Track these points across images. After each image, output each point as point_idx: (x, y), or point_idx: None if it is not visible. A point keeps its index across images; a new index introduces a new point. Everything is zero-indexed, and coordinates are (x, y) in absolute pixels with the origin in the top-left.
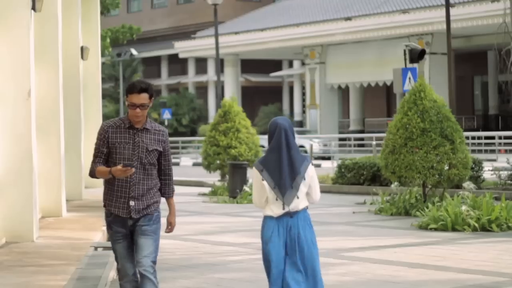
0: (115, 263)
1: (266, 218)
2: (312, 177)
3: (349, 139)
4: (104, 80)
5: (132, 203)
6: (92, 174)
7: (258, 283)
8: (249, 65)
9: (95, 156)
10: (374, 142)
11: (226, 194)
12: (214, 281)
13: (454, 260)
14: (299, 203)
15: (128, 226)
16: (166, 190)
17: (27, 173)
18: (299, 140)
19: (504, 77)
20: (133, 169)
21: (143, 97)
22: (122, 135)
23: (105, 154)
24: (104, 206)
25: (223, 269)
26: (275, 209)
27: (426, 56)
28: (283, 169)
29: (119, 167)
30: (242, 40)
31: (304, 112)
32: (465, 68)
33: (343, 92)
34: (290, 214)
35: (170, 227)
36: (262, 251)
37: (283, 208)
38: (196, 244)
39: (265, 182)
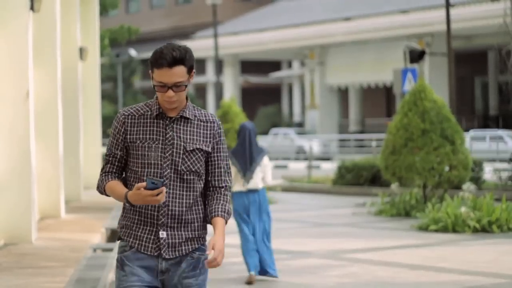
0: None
1: (235, 193)
2: (265, 165)
3: (349, 140)
4: (102, 81)
5: (163, 234)
6: (100, 189)
7: (258, 284)
8: (248, 66)
9: (106, 161)
10: (374, 143)
11: None
12: (213, 282)
13: (454, 262)
14: (257, 183)
15: (157, 271)
16: (213, 207)
17: (26, 174)
18: (298, 140)
19: (505, 77)
20: (163, 191)
21: (178, 72)
22: (146, 128)
23: (119, 158)
24: (119, 234)
25: (222, 270)
26: (239, 186)
27: (426, 57)
28: (245, 158)
29: (138, 191)
30: (241, 40)
31: (303, 113)
32: (465, 69)
33: (343, 93)
34: (252, 191)
35: (214, 250)
36: (234, 215)
37: (246, 184)
38: None
39: (233, 166)
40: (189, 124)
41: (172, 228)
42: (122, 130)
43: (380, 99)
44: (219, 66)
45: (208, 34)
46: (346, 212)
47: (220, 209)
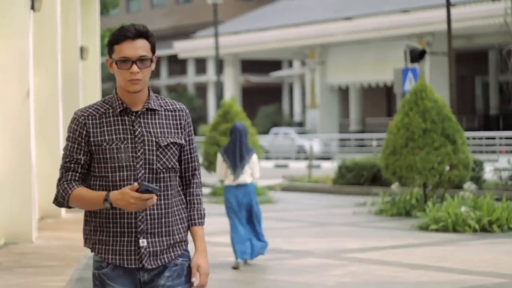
0: None
1: (226, 187)
2: (254, 162)
3: (349, 139)
4: (103, 80)
5: (143, 242)
6: (62, 200)
7: (257, 284)
8: (249, 65)
9: (66, 169)
10: (374, 143)
11: None
12: (213, 282)
13: (454, 261)
14: (245, 178)
15: (140, 284)
16: (189, 213)
17: (26, 174)
18: (299, 140)
19: (505, 77)
20: (154, 198)
21: (142, 45)
22: (111, 128)
23: (82, 164)
24: (93, 250)
25: (222, 270)
26: (229, 181)
27: (427, 56)
28: (236, 155)
29: (127, 190)
30: (242, 40)
31: (304, 112)
32: (466, 68)
33: (343, 92)
34: (242, 185)
35: (200, 275)
36: (226, 207)
37: (235, 179)
38: None
39: (224, 163)
40: (157, 116)
41: (153, 235)
42: (84, 132)
43: (380, 99)
44: (220, 65)
45: (208, 33)
46: (347, 212)
47: (197, 216)
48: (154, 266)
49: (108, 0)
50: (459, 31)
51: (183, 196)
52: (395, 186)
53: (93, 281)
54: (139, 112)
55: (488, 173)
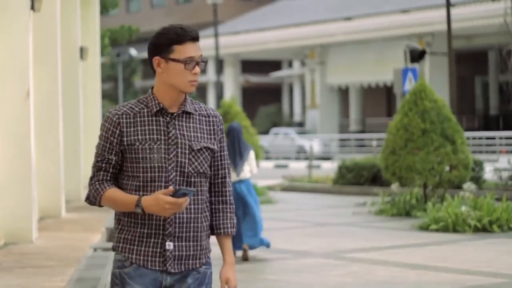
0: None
1: None
2: (251, 159)
3: (349, 139)
4: (103, 81)
5: (169, 245)
6: (94, 200)
7: (257, 284)
8: (249, 65)
9: (98, 168)
10: (374, 143)
11: None
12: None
13: (454, 261)
14: (245, 174)
15: (160, 287)
16: (220, 221)
17: (26, 174)
18: (299, 140)
19: (505, 77)
20: (187, 201)
21: (199, 47)
22: (145, 128)
23: (114, 164)
24: (116, 249)
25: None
26: (232, 177)
27: (427, 56)
28: (235, 154)
29: (161, 195)
30: (242, 40)
31: (304, 112)
32: (466, 68)
33: (343, 92)
34: (242, 181)
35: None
36: None
37: (237, 176)
38: None
39: None
40: (191, 120)
41: (180, 239)
42: (117, 132)
43: (380, 99)
44: (220, 65)
45: (208, 33)
46: (347, 212)
47: (229, 225)
48: (177, 271)
49: (108, 0)
50: (459, 31)
51: (208, 203)
52: (395, 186)
53: (111, 281)
54: (175, 114)
55: (488, 173)
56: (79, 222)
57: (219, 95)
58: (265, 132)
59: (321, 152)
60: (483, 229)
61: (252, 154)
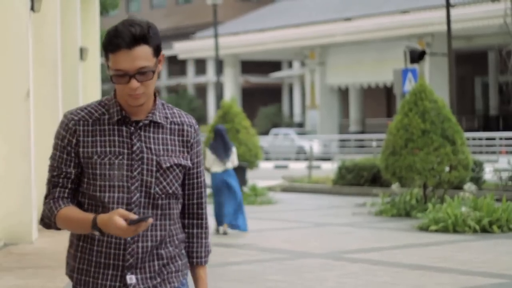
0: None
1: (213, 173)
2: (234, 153)
3: (349, 140)
4: (103, 81)
5: (131, 279)
6: (48, 221)
7: (257, 284)
8: (248, 66)
9: (54, 184)
10: (374, 143)
11: None
12: (212, 282)
13: (454, 262)
14: (229, 165)
15: None
16: (194, 249)
17: (26, 174)
18: (299, 141)
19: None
20: (150, 221)
21: (141, 54)
22: (105, 138)
23: (73, 179)
24: (71, 279)
25: (221, 270)
26: (216, 168)
27: (427, 57)
28: (222, 150)
29: (116, 218)
30: (241, 41)
31: (304, 113)
32: (465, 69)
33: (343, 93)
34: (226, 170)
35: None
36: (212, 189)
37: (222, 166)
38: None
39: (213, 155)
40: (160, 130)
41: (143, 270)
42: (74, 141)
43: (380, 99)
44: (220, 66)
45: (208, 34)
46: (347, 212)
47: (203, 253)
48: None
49: (107, 1)
50: (459, 32)
51: (180, 227)
52: (395, 187)
53: None
54: (141, 123)
55: (488, 173)
56: None
57: (219, 96)
58: (265, 132)
59: (321, 153)
60: (483, 230)
61: (234, 149)
